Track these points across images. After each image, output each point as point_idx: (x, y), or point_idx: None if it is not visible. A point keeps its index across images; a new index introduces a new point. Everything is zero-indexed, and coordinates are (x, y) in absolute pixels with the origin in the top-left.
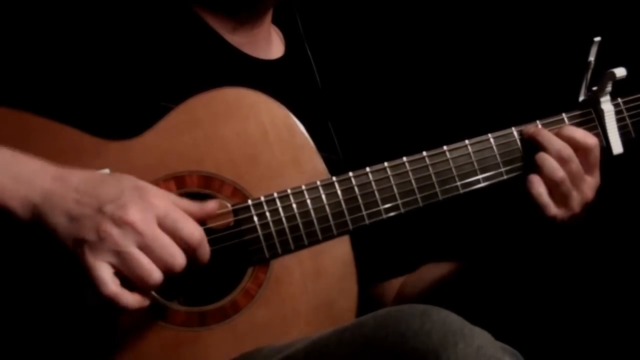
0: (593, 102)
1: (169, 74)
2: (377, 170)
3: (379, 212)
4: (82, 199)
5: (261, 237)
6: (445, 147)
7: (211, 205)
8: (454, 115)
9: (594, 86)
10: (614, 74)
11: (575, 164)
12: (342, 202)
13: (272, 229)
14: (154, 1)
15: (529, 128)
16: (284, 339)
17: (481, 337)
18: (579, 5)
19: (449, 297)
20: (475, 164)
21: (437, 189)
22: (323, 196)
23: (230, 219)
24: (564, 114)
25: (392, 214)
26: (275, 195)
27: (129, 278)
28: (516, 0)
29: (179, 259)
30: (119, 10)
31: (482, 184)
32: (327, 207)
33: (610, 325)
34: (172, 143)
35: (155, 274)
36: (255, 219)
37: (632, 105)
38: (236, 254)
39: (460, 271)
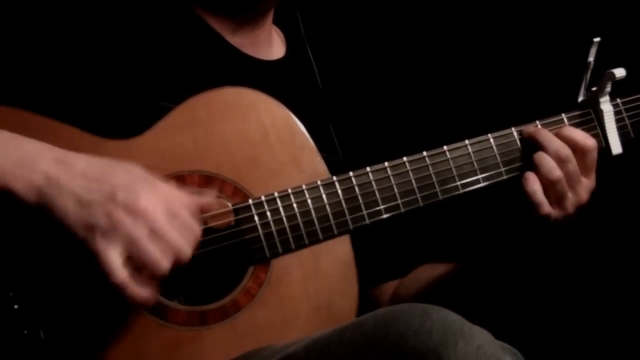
0: (592, 103)
1: (169, 74)
2: (378, 170)
3: (379, 212)
4: (91, 184)
5: (262, 236)
6: (445, 147)
7: (210, 195)
8: (454, 115)
9: (593, 86)
10: (613, 74)
11: (573, 164)
12: (343, 201)
13: (273, 228)
14: (155, 2)
15: (529, 128)
16: (284, 339)
17: (481, 336)
18: (579, 6)
19: (446, 296)
20: (475, 163)
21: (437, 189)
22: (324, 196)
23: (231, 219)
24: (563, 114)
25: (392, 213)
26: (276, 194)
27: (138, 266)
28: (516, 0)
29: (186, 249)
30: (120, 10)
31: (482, 184)
32: (327, 206)
33: (610, 324)
34: (173, 142)
35: (164, 263)
36: (256, 218)
37: (631, 105)
38: (237, 253)
39: (456, 271)
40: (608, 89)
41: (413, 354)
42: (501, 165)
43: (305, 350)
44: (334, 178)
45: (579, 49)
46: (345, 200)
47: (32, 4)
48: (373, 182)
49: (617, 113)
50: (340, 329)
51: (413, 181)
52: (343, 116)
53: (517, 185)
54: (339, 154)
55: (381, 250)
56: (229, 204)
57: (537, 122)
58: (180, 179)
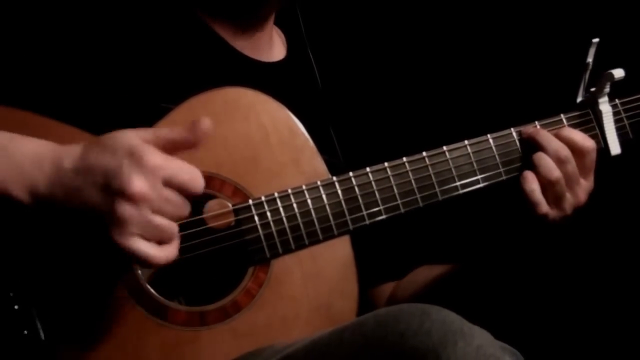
0: (591, 103)
1: (170, 75)
2: (377, 171)
3: (379, 212)
4: (85, 181)
5: (262, 236)
6: (444, 148)
7: (205, 123)
8: (453, 116)
9: (592, 87)
10: (612, 75)
11: (572, 165)
12: (343, 202)
13: (273, 228)
14: (156, 4)
15: (528, 129)
16: (284, 339)
17: (481, 336)
18: (578, 7)
19: (445, 297)
20: (474, 164)
21: (437, 189)
22: (324, 196)
23: (231, 219)
24: (562, 115)
25: (392, 214)
26: (276, 195)
27: (155, 239)
28: (515, 1)
29: (185, 208)
30: (121, 12)
31: (481, 184)
32: (327, 207)
33: (610, 324)
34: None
35: (174, 228)
36: (256, 218)
37: (629, 106)
38: (237, 253)
39: (455, 271)
40: (607, 89)
41: (413, 354)
42: (500, 166)
43: (305, 350)
44: (334, 178)
45: (578, 49)
46: (345, 200)
47: (34, 4)
48: (373, 183)
49: (615, 114)
50: (340, 329)
51: (413, 181)
52: (343, 118)
53: (515, 185)
54: (339, 155)
55: (380, 251)
56: (229, 204)
57: (536, 122)
58: None
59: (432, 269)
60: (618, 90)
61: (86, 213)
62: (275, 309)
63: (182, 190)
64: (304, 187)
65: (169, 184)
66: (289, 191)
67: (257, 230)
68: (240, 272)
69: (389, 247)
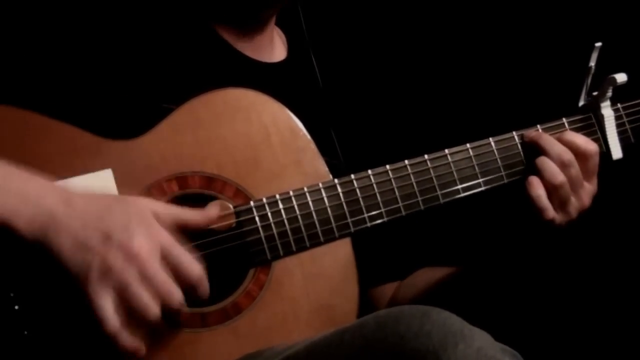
0: (593, 107)
1: (171, 76)
2: (379, 173)
3: (380, 215)
4: (88, 223)
5: (263, 238)
6: (446, 151)
7: (213, 211)
8: (455, 119)
9: (594, 91)
10: (614, 79)
11: (575, 169)
12: (344, 204)
13: (274, 230)
14: (158, 5)
15: (530, 132)
16: (285, 341)
17: (481, 338)
18: (580, 11)
19: (446, 299)
20: (476, 167)
21: (438, 192)
22: (325, 198)
23: (232, 221)
24: (564, 119)
25: (393, 216)
26: (278, 196)
27: (129, 312)
28: (518, 5)
29: (176, 295)
30: (123, 12)
31: (483, 188)
32: (328, 209)
33: (610, 325)
34: (174, 143)
35: (154, 309)
36: (257, 220)
37: (631, 110)
38: (238, 255)
39: (457, 274)
40: (609, 93)
41: (413, 355)
42: (502, 169)
43: (306, 351)
44: (336, 180)
45: (581, 53)
46: (347, 202)
47: (35, 4)
48: (374, 185)
49: (617, 118)
50: (341, 331)
51: (414, 184)
52: (344, 119)
53: (519, 189)
54: (339, 156)
55: (381, 252)
56: (231, 206)
57: (538, 126)
58: (183, 179)
59: (434, 271)
60: (620, 95)
61: (77, 253)
62: (275, 310)
63: (177, 273)
64: (305, 188)
65: (166, 258)
66: (291, 193)
67: (259, 232)
68: (241, 274)
69: (390, 248)
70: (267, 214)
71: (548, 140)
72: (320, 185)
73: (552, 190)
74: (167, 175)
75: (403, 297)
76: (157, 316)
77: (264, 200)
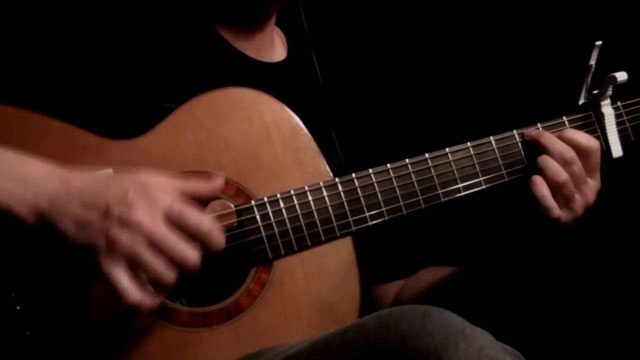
0: (593, 106)
1: (171, 75)
2: (380, 172)
3: (381, 214)
4: (87, 201)
5: (264, 237)
6: (447, 149)
7: (219, 181)
8: (455, 118)
9: (594, 89)
10: (615, 77)
11: (578, 166)
12: (345, 203)
13: (275, 229)
14: (158, 5)
15: (531, 131)
16: (287, 340)
17: (483, 338)
18: (581, 9)
19: (450, 299)
20: (476, 166)
21: (439, 191)
22: (326, 197)
23: (234, 220)
24: (564, 117)
25: (394, 215)
26: (279, 196)
27: (145, 279)
28: (518, 3)
29: (190, 255)
30: (123, 12)
31: (484, 186)
32: (330, 208)
33: (610, 325)
34: (175, 143)
35: (170, 274)
36: (259, 219)
37: (632, 109)
38: (239, 254)
39: (460, 273)
40: (609, 92)
41: (414, 355)
42: (503, 168)
43: (307, 351)
44: (337, 180)
45: (581, 52)
46: (348, 201)
47: (36, 4)
48: (375, 184)
49: (617, 116)
50: (342, 330)
51: (415, 183)
52: (344, 118)
53: (523, 189)
54: (339, 156)
55: (383, 251)
56: (232, 205)
57: (539, 124)
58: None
59: (437, 271)
60: (620, 93)
61: (81, 233)
62: (277, 310)
63: (186, 230)
64: (306, 188)
65: (172, 222)
66: (292, 192)
67: (260, 231)
68: (242, 273)
69: (391, 246)
70: (268, 213)
71: (549, 139)
72: (321, 184)
73: (556, 188)
74: (168, 174)
75: (406, 297)
76: (174, 280)
77: (265, 199)
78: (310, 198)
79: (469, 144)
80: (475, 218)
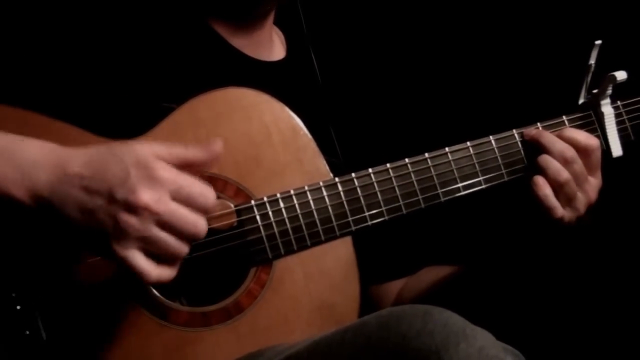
0: (593, 105)
1: (171, 75)
2: (380, 172)
3: (381, 213)
4: (89, 186)
5: (264, 237)
6: (447, 149)
7: (218, 145)
8: (455, 117)
9: (594, 89)
10: (614, 77)
11: (579, 165)
12: (345, 202)
13: (275, 229)
14: (156, 4)
15: (530, 130)
16: (286, 340)
17: (483, 338)
18: (580, 8)
19: (451, 298)
20: (476, 165)
21: (439, 190)
22: (326, 197)
23: (234, 220)
24: (564, 117)
25: (394, 214)
26: (279, 195)
27: (159, 257)
28: (517, 2)
29: (200, 224)
30: (122, 12)
31: (484, 186)
32: (329, 207)
33: (611, 325)
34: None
35: (184, 248)
36: (259, 219)
37: (631, 108)
38: (239, 254)
39: (462, 273)
40: (609, 91)
41: (415, 355)
42: (502, 167)
43: (307, 351)
44: (336, 179)
45: (580, 51)
46: (348, 201)
47: (35, 4)
48: (375, 184)
49: (617, 115)
50: (343, 330)
51: (415, 182)
52: (343, 117)
53: (524, 189)
54: (339, 156)
55: (383, 249)
56: (232, 205)
57: (539, 124)
58: None
59: (439, 270)
60: (620, 92)
61: (88, 219)
62: (277, 309)
63: (191, 204)
64: (306, 187)
65: (177, 198)
66: (291, 192)
67: (260, 231)
68: (242, 273)
69: (392, 245)
70: (268, 213)
71: (549, 138)
72: (321, 184)
73: (558, 188)
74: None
75: (407, 296)
76: (188, 251)
77: (265, 199)
78: (310, 198)
79: (468, 143)
80: (476, 217)
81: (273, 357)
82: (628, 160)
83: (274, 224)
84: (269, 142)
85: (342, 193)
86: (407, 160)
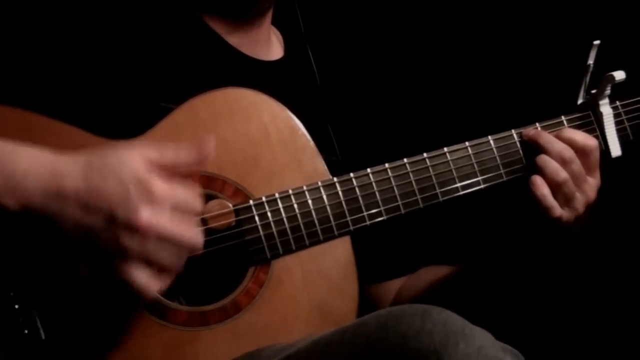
0: (592, 105)
1: (169, 74)
2: (378, 172)
3: (379, 213)
4: (87, 203)
5: (262, 237)
6: (445, 149)
7: (209, 145)
8: (453, 117)
9: (592, 89)
10: (613, 77)
11: (577, 165)
12: (343, 202)
13: (274, 229)
14: (154, 3)
15: (529, 130)
16: (285, 339)
17: (482, 338)
18: (579, 8)
19: (450, 298)
20: (475, 165)
21: (438, 190)
22: (324, 196)
23: (232, 219)
24: (562, 117)
25: (392, 214)
26: (277, 195)
27: (158, 270)
28: (516, 2)
29: (197, 239)
30: (120, 11)
31: (482, 186)
32: (328, 207)
33: (611, 325)
34: (174, 143)
35: (181, 260)
36: (257, 219)
37: (630, 108)
38: (237, 254)
39: (461, 273)
40: (608, 91)
41: (414, 355)
42: (501, 167)
43: (306, 350)
44: (335, 179)
45: (579, 51)
46: (346, 201)
47: (33, 4)
48: (374, 184)
49: (616, 115)
50: (342, 330)
51: (413, 182)
52: (342, 117)
53: (522, 189)
54: (337, 155)
55: (382, 248)
56: (230, 205)
57: (537, 124)
58: None
59: (438, 270)
60: (618, 92)
61: (85, 237)
62: (275, 309)
63: (187, 216)
64: (304, 187)
65: (175, 212)
66: (290, 191)
67: (258, 231)
68: (240, 273)
69: (391, 244)
70: (266, 213)
71: (547, 138)
72: (320, 183)
73: (556, 187)
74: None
75: (406, 296)
76: (184, 263)
77: (264, 199)
78: (308, 198)
79: (467, 143)
80: (475, 217)
81: (272, 357)
82: (627, 160)
83: (272, 224)
84: (267, 142)
85: (340, 193)
86: (405, 160)
